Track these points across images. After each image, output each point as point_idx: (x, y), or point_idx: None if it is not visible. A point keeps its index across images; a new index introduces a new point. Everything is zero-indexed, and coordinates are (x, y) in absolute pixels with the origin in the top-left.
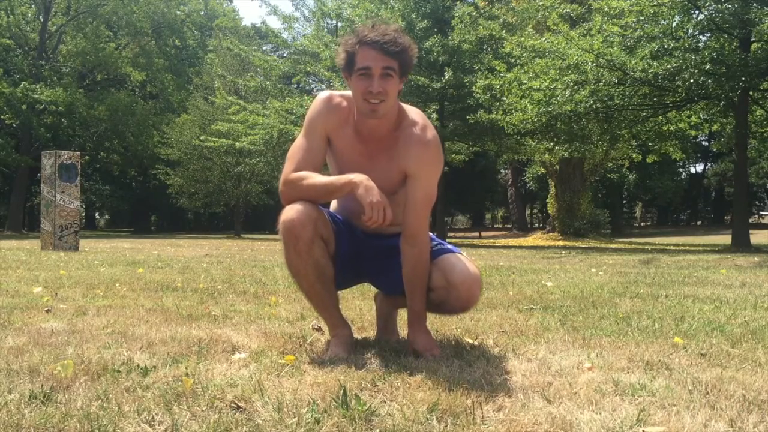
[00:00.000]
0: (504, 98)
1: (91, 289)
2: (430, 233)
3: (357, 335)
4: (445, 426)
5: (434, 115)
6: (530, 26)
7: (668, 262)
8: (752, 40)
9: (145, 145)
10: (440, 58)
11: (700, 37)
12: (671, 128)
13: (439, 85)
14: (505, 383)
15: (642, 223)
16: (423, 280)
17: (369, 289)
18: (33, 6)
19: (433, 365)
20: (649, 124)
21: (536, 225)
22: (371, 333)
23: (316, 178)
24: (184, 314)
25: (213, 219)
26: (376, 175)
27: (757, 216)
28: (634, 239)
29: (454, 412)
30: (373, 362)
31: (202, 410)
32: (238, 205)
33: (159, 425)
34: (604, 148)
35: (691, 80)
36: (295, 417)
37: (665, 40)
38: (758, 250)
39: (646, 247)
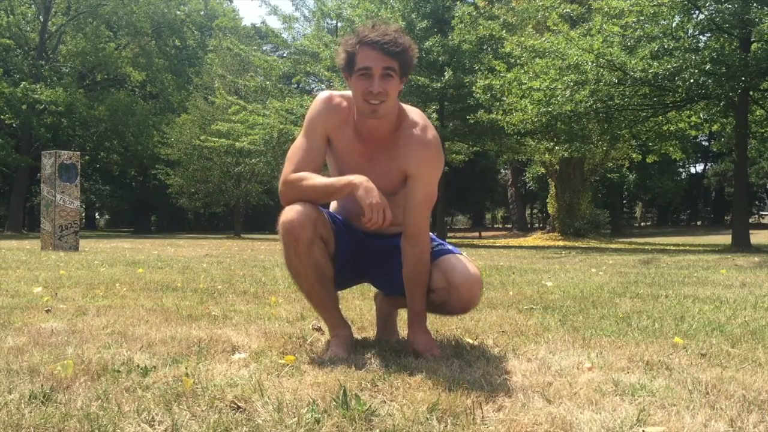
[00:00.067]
0: (504, 98)
1: (91, 289)
2: (431, 233)
3: (357, 335)
4: (445, 426)
5: (434, 115)
6: (530, 26)
7: (668, 262)
8: (752, 40)
9: (145, 145)
10: (440, 58)
11: (700, 37)
12: (671, 128)
13: (439, 85)
14: (505, 383)
15: (642, 223)
16: (423, 280)
17: (369, 289)
18: (33, 6)
19: (433, 365)
20: (649, 124)
21: (536, 225)
22: (371, 333)
23: (315, 179)
24: (184, 314)
25: (213, 219)
26: (376, 176)
27: (757, 216)
28: (634, 239)
29: (454, 412)
30: (373, 362)
31: (202, 410)
32: (238, 205)
33: (159, 425)
34: (604, 148)
35: (691, 80)
36: (295, 417)
37: (665, 40)
38: (758, 250)
39: (646, 247)
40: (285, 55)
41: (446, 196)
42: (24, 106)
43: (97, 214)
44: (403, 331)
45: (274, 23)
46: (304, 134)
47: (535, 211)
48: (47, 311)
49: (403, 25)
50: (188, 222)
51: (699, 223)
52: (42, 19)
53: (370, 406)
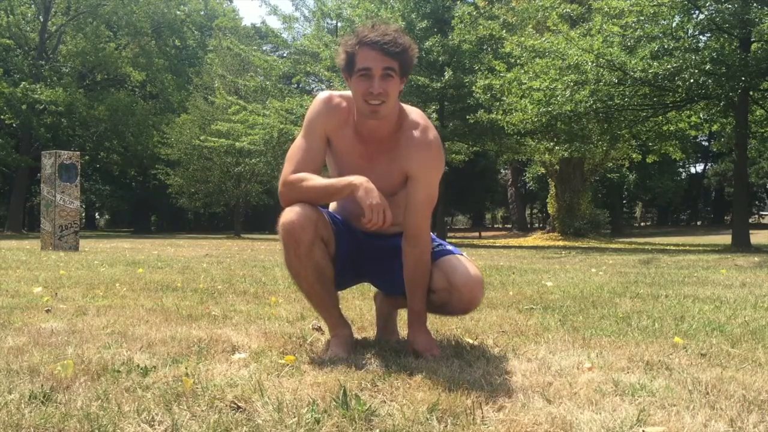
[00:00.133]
0: (504, 98)
1: (91, 289)
2: (431, 234)
3: (357, 335)
4: (445, 426)
5: (434, 115)
6: (530, 26)
7: (668, 262)
8: (752, 40)
9: (145, 145)
10: (440, 58)
11: (700, 37)
12: (671, 128)
13: (439, 85)
14: (505, 383)
15: (642, 223)
16: (424, 280)
17: (369, 289)
18: (33, 6)
19: (433, 365)
20: (649, 124)
21: (536, 225)
22: (371, 333)
23: (315, 180)
24: (184, 314)
25: (213, 219)
26: (377, 177)
27: (757, 216)
28: (634, 239)
29: (454, 412)
30: (373, 362)
31: (202, 410)
32: (238, 205)
33: (159, 425)
34: (604, 148)
35: (691, 80)
36: (295, 417)
37: (665, 40)
38: (758, 250)
39: (646, 247)
40: (285, 55)
41: (446, 196)
42: (24, 106)
43: (97, 214)
44: (403, 331)
45: (274, 23)
46: (304, 135)
47: (535, 211)
48: (47, 311)
49: (403, 25)
50: (188, 222)
51: (699, 223)
52: (42, 19)
53: (370, 406)
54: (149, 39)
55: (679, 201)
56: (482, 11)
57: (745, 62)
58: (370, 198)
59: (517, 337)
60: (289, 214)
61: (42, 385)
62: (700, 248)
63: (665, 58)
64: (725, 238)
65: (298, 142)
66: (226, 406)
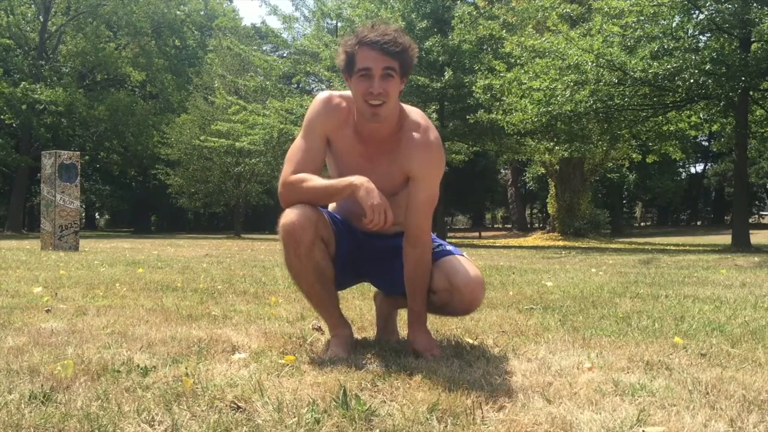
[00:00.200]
0: (504, 98)
1: (91, 289)
2: (432, 234)
3: (357, 335)
4: (445, 426)
5: (434, 115)
6: (530, 26)
7: (668, 262)
8: (752, 40)
9: (145, 145)
10: (440, 58)
11: (700, 37)
12: (671, 128)
13: (439, 85)
14: (505, 383)
15: (642, 223)
16: (424, 281)
17: (369, 289)
18: (33, 6)
19: (433, 365)
20: (649, 124)
21: (536, 225)
22: (371, 333)
23: (316, 181)
24: (184, 314)
25: (213, 219)
26: (377, 177)
27: (757, 216)
28: (634, 239)
29: (454, 412)
30: (373, 362)
31: (202, 410)
32: (238, 205)
33: (159, 425)
34: (604, 148)
35: (691, 80)
36: (295, 417)
37: (665, 40)
38: (758, 250)
39: (646, 247)
40: (285, 55)
41: (446, 196)
42: (24, 106)
43: (97, 214)
44: (403, 331)
45: (274, 23)
46: (304, 135)
47: (535, 211)
48: (47, 311)
49: (403, 25)
50: (188, 222)
51: (699, 223)
52: (42, 19)
53: (370, 406)
54: (149, 39)
55: (679, 201)
56: (482, 11)
57: (745, 62)
58: (371, 198)
59: (517, 337)
60: (290, 214)
61: (42, 385)
62: (700, 248)
63: (665, 58)
64: (725, 238)
65: (298, 143)
66: (226, 406)
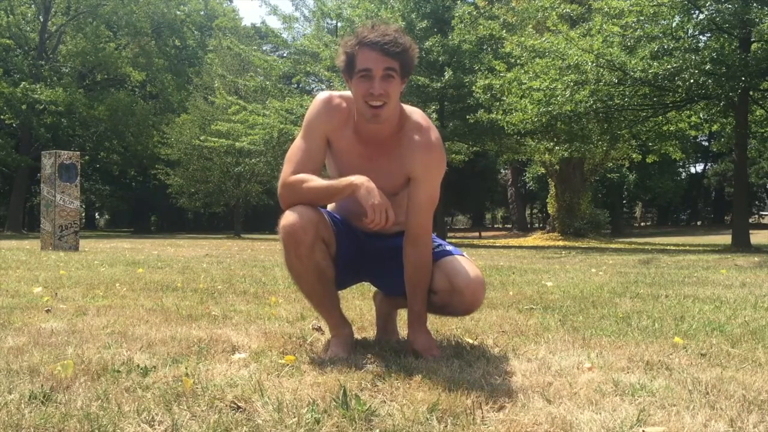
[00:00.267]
0: (504, 98)
1: (91, 289)
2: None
3: (357, 335)
4: (445, 426)
5: (434, 115)
6: (530, 26)
7: (668, 262)
8: (752, 40)
9: (145, 145)
10: (440, 58)
11: (700, 37)
12: (671, 128)
13: (439, 85)
14: (505, 383)
15: (642, 223)
16: (425, 281)
17: (369, 289)
18: (33, 6)
19: (433, 365)
20: (649, 124)
21: (536, 225)
22: (371, 333)
23: (316, 181)
24: (184, 314)
25: (213, 219)
26: (378, 177)
27: (757, 216)
28: (634, 239)
29: (454, 412)
30: (373, 362)
31: (202, 410)
32: (238, 205)
33: (159, 425)
34: (604, 148)
35: (691, 80)
36: (295, 417)
37: (665, 40)
38: (758, 250)
39: (646, 247)
40: (285, 55)
41: (446, 196)
42: (24, 106)
43: (97, 214)
44: (403, 331)
45: (274, 23)
46: (303, 136)
47: (535, 211)
48: (47, 311)
49: (403, 25)
50: (188, 222)
51: (699, 223)
52: (42, 19)
53: (370, 406)
54: (149, 39)
55: (679, 201)
56: (482, 11)
57: (745, 62)
58: (371, 197)
59: (517, 337)
60: (290, 215)
61: (42, 385)
62: (700, 248)
63: (665, 58)
64: (725, 238)
65: (298, 144)
66: (226, 406)
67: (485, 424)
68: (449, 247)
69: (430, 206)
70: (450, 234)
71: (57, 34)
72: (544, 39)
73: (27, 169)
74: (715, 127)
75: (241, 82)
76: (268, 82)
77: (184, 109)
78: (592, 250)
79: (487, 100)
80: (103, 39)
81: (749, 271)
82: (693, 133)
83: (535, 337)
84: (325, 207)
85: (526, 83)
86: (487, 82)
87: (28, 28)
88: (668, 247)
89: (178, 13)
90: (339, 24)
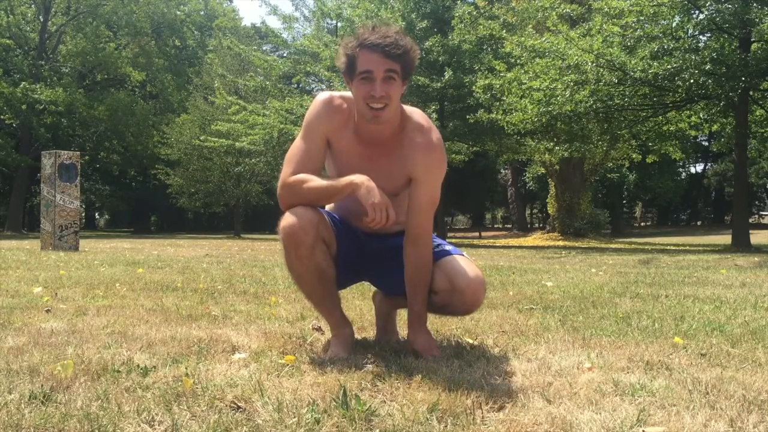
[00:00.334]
0: (504, 98)
1: (91, 289)
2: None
3: (357, 335)
4: (445, 426)
5: (434, 115)
6: (530, 26)
7: (668, 262)
8: (752, 40)
9: (145, 145)
10: (440, 58)
11: (700, 37)
12: (671, 128)
13: (439, 85)
14: (505, 383)
15: (642, 223)
16: (425, 281)
17: (369, 289)
18: (33, 6)
19: (433, 365)
20: (649, 124)
21: (536, 225)
22: (371, 333)
23: (316, 181)
24: (184, 314)
25: (213, 219)
26: (378, 178)
27: (757, 216)
28: (634, 239)
29: (454, 412)
30: (373, 362)
31: (202, 410)
32: (238, 205)
33: (159, 425)
34: (604, 148)
35: (691, 80)
36: (295, 417)
37: (665, 40)
38: (758, 250)
39: (646, 247)
40: (285, 55)
41: (446, 196)
42: (24, 106)
43: (97, 214)
44: (403, 331)
45: (274, 23)
46: (303, 137)
47: (535, 211)
48: (47, 311)
49: (403, 25)
50: (188, 222)
51: (699, 223)
52: (42, 19)
53: (370, 406)
54: (149, 39)
55: (679, 201)
56: (482, 11)
57: (745, 62)
58: (372, 196)
59: (517, 337)
60: (290, 216)
61: (42, 385)
62: (700, 248)
63: (665, 58)
64: (725, 238)
65: (298, 145)
66: (226, 406)
67: (485, 424)
68: (449, 247)
69: (431, 207)
70: (450, 234)
71: (57, 34)
72: (544, 39)
73: (27, 169)
74: (715, 127)
75: (241, 82)
76: (268, 82)
77: (184, 109)
78: (592, 250)
79: (487, 100)
80: (103, 39)
81: (749, 271)
82: (693, 133)
83: (535, 337)
84: (323, 207)
85: (526, 83)
86: (487, 82)
87: (28, 28)
88: (668, 247)
89: (178, 13)
90: (339, 24)
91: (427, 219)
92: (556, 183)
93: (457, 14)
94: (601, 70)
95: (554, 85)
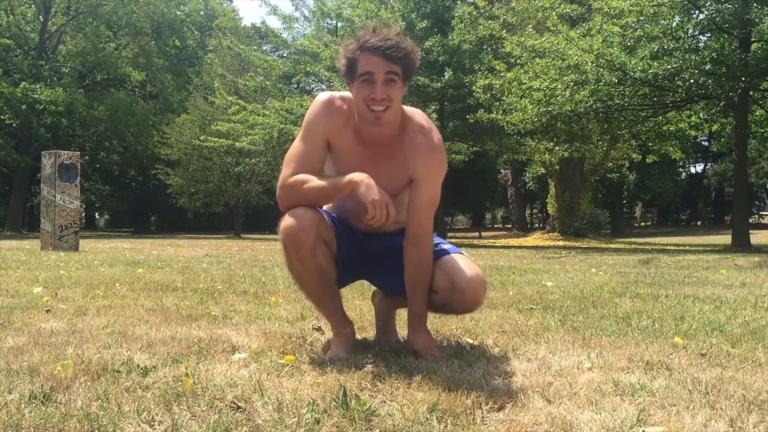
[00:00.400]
0: (504, 98)
1: (91, 289)
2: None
3: (357, 335)
4: (445, 426)
5: (434, 115)
6: (530, 26)
7: (668, 262)
8: (752, 40)
9: (145, 145)
10: (440, 58)
11: (700, 37)
12: (671, 128)
13: (439, 85)
14: (505, 383)
15: (642, 223)
16: (425, 281)
17: (369, 290)
18: (33, 6)
19: (433, 365)
20: (649, 124)
21: (536, 225)
22: (371, 333)
23: (315, 181)
24: (184, 314)
25: (213, 219)
26: (379, 178)
27: (757, 216)
28: (634, 239)
29: (454, 412)
30: (373, 362)
31: (202, 410)
32: (238, 205)
33: (159, 425)
34: (604, 148)
35: (691, 80)
36: (295, 417)
37: (665, 41)
38: (758, 250)
39: (646, 247)
40: (285, 55)
41: (446, 196)
42: (24, 106)
43: (97, 214)
44: (403, 331)
45: (274, 23)
46: (303, 138)
47: (535, 211)
48: (47, 311)
49: (403, 25)
50: (188, 222)
51: (699, 223)
52: (42, 19)
53: (370, 406)
54: (149, 39)
55: (679, 201)
56: (482, 11)
57: (745, 62)
58: (371, 194)
59: (517, 337)
60: (291, 217)
61: (42, 385)
62: (700, 248)
63: (665, 58)
64: (725, 238)
65: (297, 145)
66: (226, 406)
67: (485, 424)
68: (448, 246)
69: (431, 207)
70: (450, 234)
71: (57, 34)
72: (544, 39)
73: (27, 169)
74: (715, 127)
75: (241, 82)
76: (268, 82)
77: (184, 109)
78: (592, 250)
79: (487, 100)
80: (103, 39)
81: (749, 271)
82: (693, 133)
83: (535, 337)
84: (322, 207)
85: (526, 83)
86: (487, 82)
87: (28, 28)
88: (668, 247)
89: (178, 13)
90: (339, 24)
91: (427, 219)
92: (556, 183)
93: (457, 14)
94: (601, 70)
95: (554, 85)
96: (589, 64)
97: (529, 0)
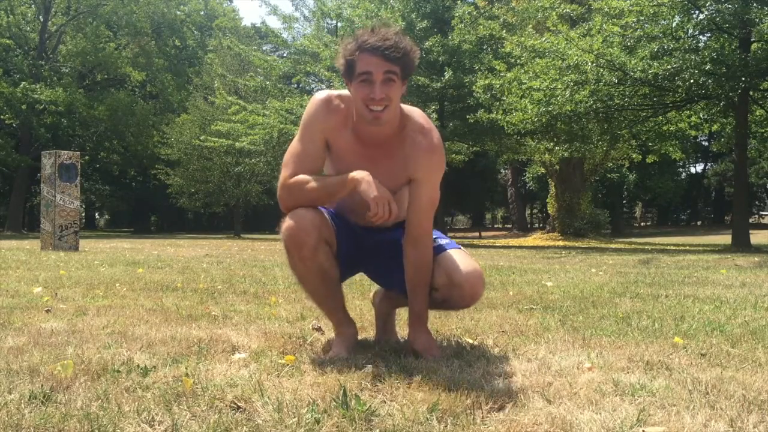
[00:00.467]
0: (504, 98)
1: (91, 289)
2: None
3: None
4: (445, 426)
5: (434, 115)
6: (530, 26)
7: (668, 262)
8: (752, 40)
9: (145, 145)
10: (440, 58)
11: (700, 37)
12: (671, 128)
13: (439, 85)
14: (505, 383)
15: (642, 223)
16: (425, 281)
17: (369, 290)
18: (33, 6)
19: (433, 365)
20: (649, 124)
21: (536, 225)
22: (371, 333)
23: (316, 181)
24: (184, 314)
25: (213, 219)
26: (378, 177)
27: (757, 216)
28: (634, 239)
29: (454, 412)
30: (373, 362)
31: (202, 410)
32: (238, 205)
33: (159, 425)
34: (604, 148)
35: (691, 80)
36: (295, 417)
37: (665, 41)
38: (758, 250)
39: (646, 247)
40: (285, 55)
41: (446, 196)
42: (24, 106)
43: (97, 214)
44: (403, 331)
45: (274, 23)
46: (301, 138)
47: (535, 211)
48: (47, 311)
49: (403, 25)
50: (188, 222)
51: (699, 223)
52: (42, 19)
53: (370, 406)
54: (149, 39)
55: (679, 201)
56: (482, 11)
57: (745, 62)
58: (373, 191)
59: (517, 337)
60: (292, 218)
61: (42, 385)
62: (700, 248)
63: (665, 58)
64: (725, 238)
65: (296, 146)
66: (226, 406)
67: (485, 424)
68: (444, 241)
69: (431, 207)
70: (450, 234)
71: (57, 34)
72: (544, 39)
73: (27, 169)
74: (715, 127)
75: (241, 82)
76: (268, 82)
77: (184, 109)
78: (592, 250)
79: (487, 100)
80: (103, 39)
81: (749, 271)
82: (693, 133)
83: (535, 337)
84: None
85: (526, 83)
86: (487, 82)
87: (28, 28)
88: (668, 247)
89: (178, 13)
90: (339, 24)
91: (427, 219)
92: (556, 183)
93: (457, 14)
94: (601, 70)
95: (554, 85)
96: (589, 64)
97: (529, 0)
